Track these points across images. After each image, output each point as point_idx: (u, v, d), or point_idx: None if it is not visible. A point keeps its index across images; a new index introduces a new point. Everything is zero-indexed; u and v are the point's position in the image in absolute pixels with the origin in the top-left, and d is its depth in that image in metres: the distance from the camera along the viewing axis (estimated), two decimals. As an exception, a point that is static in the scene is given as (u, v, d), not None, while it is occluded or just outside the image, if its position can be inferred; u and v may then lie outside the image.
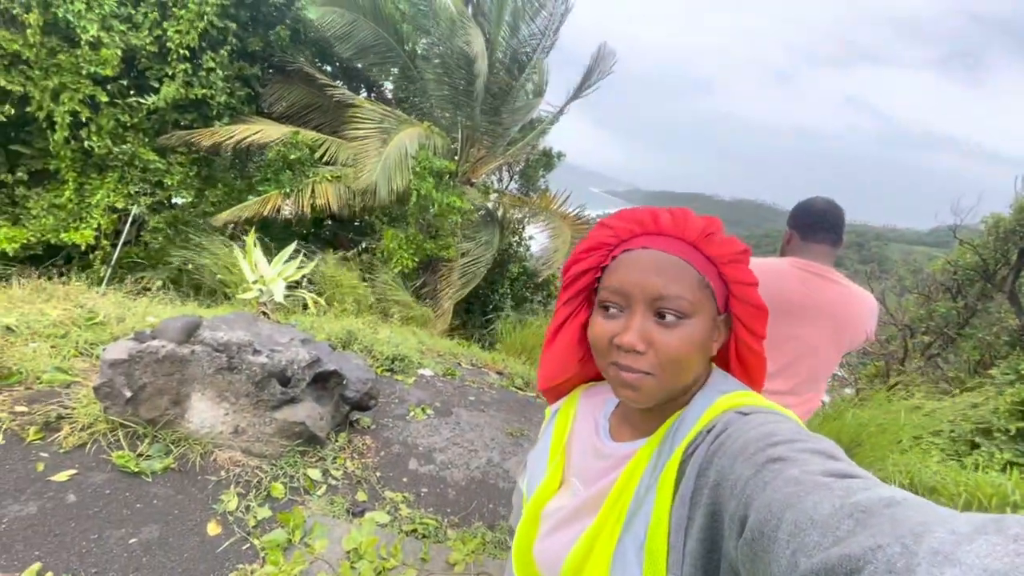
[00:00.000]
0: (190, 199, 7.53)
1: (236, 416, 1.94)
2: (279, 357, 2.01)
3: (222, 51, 7.21)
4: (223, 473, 1.89)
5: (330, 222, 9.93)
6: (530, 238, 11.29)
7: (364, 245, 8.64)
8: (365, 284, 6.15)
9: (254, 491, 1.87)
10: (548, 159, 11.88)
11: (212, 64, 7.05)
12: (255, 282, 3.96)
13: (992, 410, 6.71)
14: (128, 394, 1.82)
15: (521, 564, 0.66)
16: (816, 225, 1.75)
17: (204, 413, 1.92)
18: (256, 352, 1.97)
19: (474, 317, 8.89)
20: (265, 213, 7.32)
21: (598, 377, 0.74)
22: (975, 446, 5.95)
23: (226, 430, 1.94)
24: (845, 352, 1.72)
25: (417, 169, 7.18)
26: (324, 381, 2.20)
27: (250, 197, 7.62)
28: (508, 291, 9.05)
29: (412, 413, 2.92)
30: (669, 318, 0.55)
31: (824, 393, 1.77)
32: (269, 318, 3.97)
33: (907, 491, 0.36)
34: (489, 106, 9.30)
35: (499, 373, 4.34)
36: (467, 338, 7.60)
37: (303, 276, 4.56)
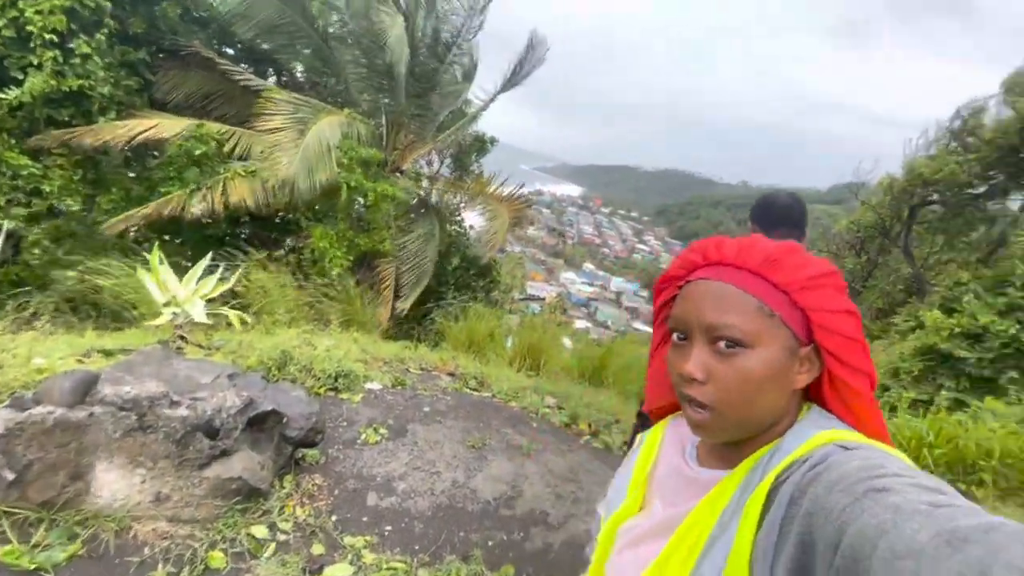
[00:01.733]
0: (77, 207, 6.62)
1: (156, 482, 1.66)
2: (203, 406, 1.73)
3: (98, 34, 6.30)
4: (147, 550, 1.61)
5: (248, 221, 9.18)
6: (470, 227, 11.06)
7: (291, 245, 8.05)
8: (297, 288, 5.71)
9: (188, 566, 1.61)
10: (481, 144, 11.61)
11: (87, 49, 6.14)
12: (167, 304, 3.51)
13: (898, 354, 7.42)
14: (10, 476, 1.48)
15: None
16: (780, 219, 1.72)
17: (115, 484, 1.62)
18: (174, 404, 1.68)
19: (417, 311, 8.60)
20: (166, 214, 6.57)
21: None
22: (885, 388, 6.57)
23: (145, 499, 1.66)
24: None
25: (344, 160, 6.71)
26: (260, 423, 1.94)
27: (153, 199, 6.82)
28: (451, 282, 8.82)
29: (364, 436, 2.70)
30: (725, 348, 0.54)
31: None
32: (187, 343, 3.54)
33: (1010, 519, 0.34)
34: (415, 90, 8.86)
35: (450, 375, 4.17)
36: (411, 335, 7.33)
37: (224, 290, 4.12)
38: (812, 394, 0.60)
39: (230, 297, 5.01)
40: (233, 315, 3.78)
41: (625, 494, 0.69)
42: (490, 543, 2.06)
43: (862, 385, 0.57)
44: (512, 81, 9.69)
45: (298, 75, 10.95)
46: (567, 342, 6.80)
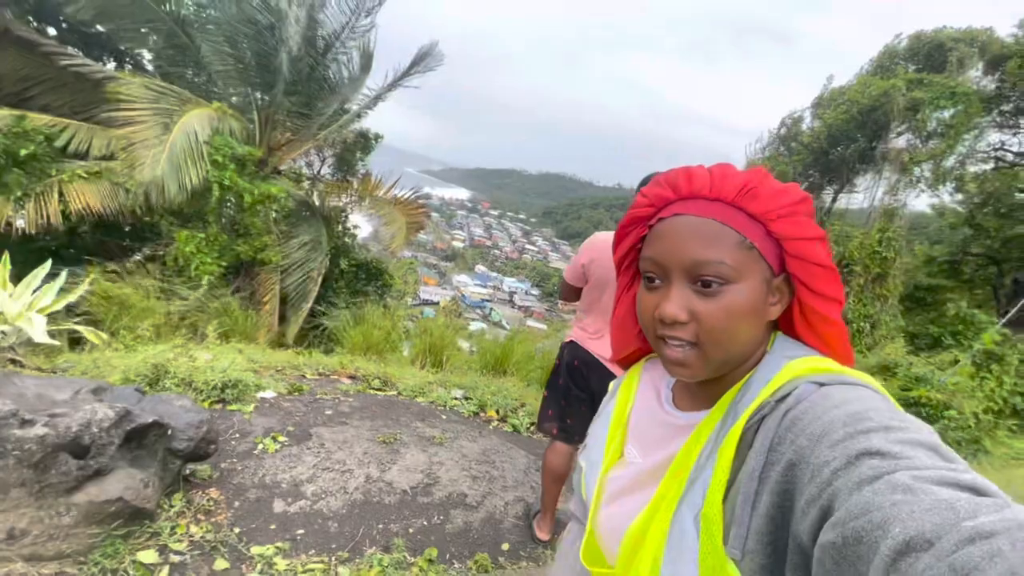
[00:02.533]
0: None
1: (7, 516, 1.40)
2: (66, 422, 1.49)
3: None
4: (-1, 599, 1.35)
5: (89, 230, 7.93)
6: (355, 227, 10.62)
7: (147, 253, 7.10)
8: (163, 300, 5.06)
9: (58, 607, 1.38)
10: (366, 141, 11.21)
11: None
12: (-8, 322, 2.93)
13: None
14: None
15: (589, 537, 0.65)
16: None
17: (-52, 525, 1.33)
18: (26, 423, 1.43)
19: (308, 319, 8.06)
20: None
21: None
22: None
23: (-7, 539, 1.39)
24: None
25: (217, 158, 6.08)
26: (140, 438, 1.72)
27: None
28: (343, 287, 8.42)
29: (261, 446, 2.50)
30: (707, 285, 0.52)
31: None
32: (24, 367, 2.99)
33: None
34: (293, 86, 8.30)
35: (351, 378, 4.00)
36: (302, 342, 6.87)
37: (67, 303, 3.54)
38: (782, 325, 0.60)
39: (75, 313, 4.31)
40: (87, 331, 3.27)
41: (604, 444, 0.68)
42: (411, 530, 2.03)
43: (832, 311, 0.56)
44: (400, 82, 9.50)
45: (146, 64, 9.70)
46: (464, 344, 6.82)
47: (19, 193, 5.73)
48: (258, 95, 8.51)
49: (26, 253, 6.49)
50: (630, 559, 0.56)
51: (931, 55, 8.48)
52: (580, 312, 2.05)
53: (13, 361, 3.01)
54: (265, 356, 4.12)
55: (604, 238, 1.98)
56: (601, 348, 1.94)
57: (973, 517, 0.31)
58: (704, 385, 0.59)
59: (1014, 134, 10.27)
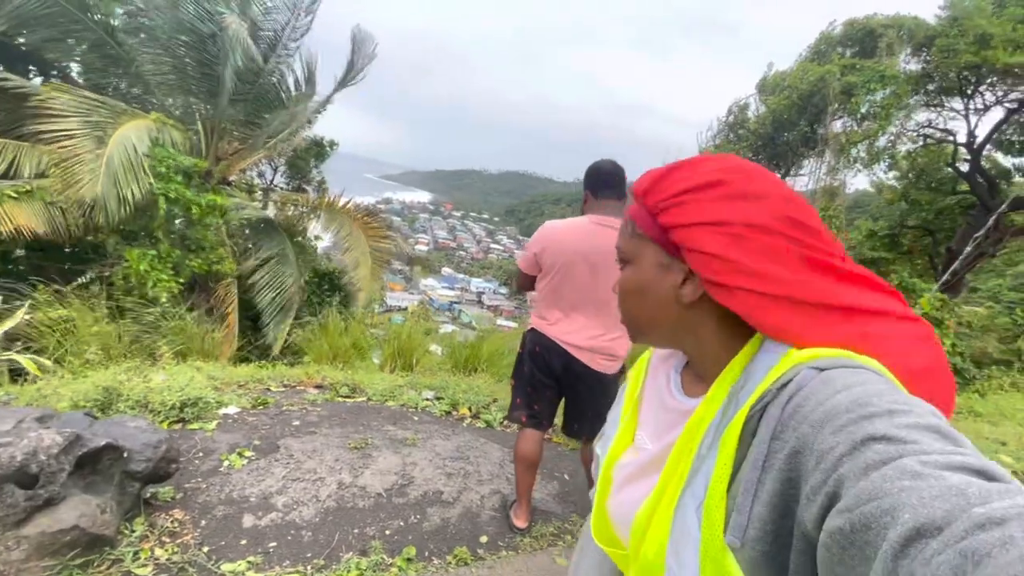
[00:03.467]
0: None
1: (-50, 556, 1.31)
2: (9, 452, 1.41)
3: None
4: (-54, 643, 1.27)
5: (23, 253, 7.48)
6: (316, 238, 10.39)
7: (95, 274, 6.74)
8: (112, 322, 4.81)
9: (13, 646, 1.31)
10: (320, 148, 10.96)
11: None
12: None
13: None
14: None
15: (597, 519, 0.68)
16: (604, 184, 2.00)
17: None
18: (-36, 456, 1.35)
19: (265, 332, 7.81)
20: None
21: None
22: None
23: (-65, 582, 1.30)
24: None
25: (160, 169, 5.83)
26: (94, 463, 1.65)
27: None
28: (307, 298, 8.23)
29: (227, 462, 2.43)
30: (620, 266, 0.64)
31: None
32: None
33: None
34: (237, 93, 8.02)
35: (318, 387, 3.92)
36: (263, 356, 6.67)
37: (2, 332, 3.33)
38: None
39: (14, 342, 4.06)
40: (26, 360, 3.08)
41: (617, 429, 0.70)
42: (388, 532, 2.02)
43: (743, 303, 0.53)
44: (346, 80, 9.30)
45: (75, 76, 9.20)
46: (436, 348, 6.78)
47: (-60, 218, 5.36)
48: (201, 104, 8.21)
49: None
50: (639, 544, 0.58)
51: (863, 41, 8.95)
52: (538, 301, 2.08)
53: (-57, 397, 2.81)
54: (225, 372, 3.98)
55: (553, 226, 2.01)
56: (560, 333, 1.97)
57: (984, 503, 0.31)
58: (707, 369, 0.59)
59: (939, 113, 10.96)
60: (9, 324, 3.23)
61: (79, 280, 6.16)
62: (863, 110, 8.43)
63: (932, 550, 0.30)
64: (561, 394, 2.11)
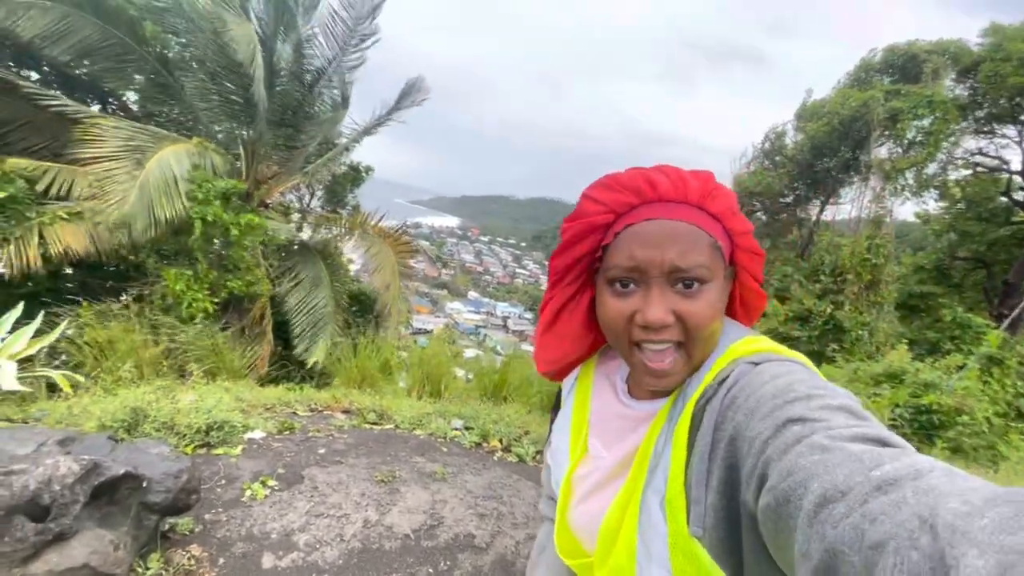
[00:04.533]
0: None
1: (-47, 594, 1.22)
2: (23, 480, 1.32)
3: None
4: None
5: (72, 271, 7.76)
6: (349, 261, 10.53)
7: (135, 293, 6.91)
8: (149, 340, 4.86)
9: None
10: (356, 174, 11.20)
11: None
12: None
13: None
14: None
15: (560, 532, 0.67)
16: None
17: None
18: (-23, 484, 1.26)
19: (298, 351, 7.83)
20: None
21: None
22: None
23: (-65, 622, 1.21)
24: None
25: (199, 194, 5.98)
26: (111, 492, 1.55)
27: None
28: (340, 320, 8.26)
29: (249, 492, 2.32)
30: (690, 287, 0.54)
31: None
32: (-7, 418, 2.79)
33: (936, 459, 0.34)
34: (279, 118, 8.28)
35: (346, 412, 3.82)
36: (292, 378, 6.65)
37: (41, 348, 3.35)
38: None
39: (55, 358, 4.12)
40: (59, 376, 3.08)
41: (569, 441, 0.69)
42: (415, 580, 1.86)
43: (762, 293, 0.63)
44: (388, 118, 9.53)
45: (131, 104, 9.68)
46: (460, 372, 6.65)
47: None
48: (242, 130, 8.49)
49: (7, 299, 6.30)
50: (608, 550, 0.57)
51: (905, 67, 8.68)
52: None
53: (-19, 412, 2.82)
54: (254, 394, 3.93)
55: None
56: None
57: (878, 466, 0.33)
58: None
59: (990, 140, 10.48)
60: (48, 341, 3.26)
61: (121, 299, 6.31)
62: (910, 136, 8.10)
63: (839, 513, 0.32)
64: None
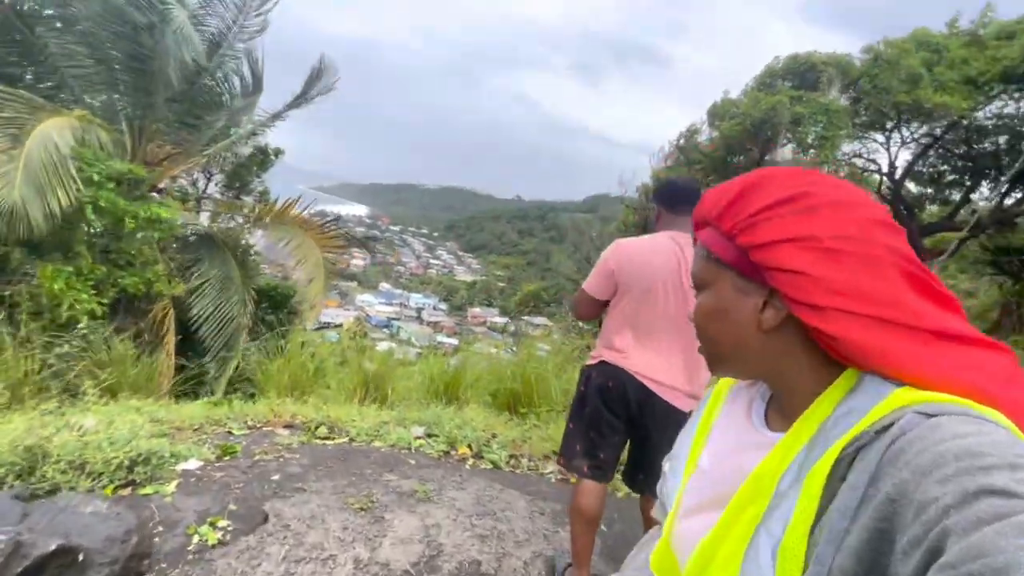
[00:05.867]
0: None
1: None
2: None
3: None
4: None
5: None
6: (256, 253, 9.55)
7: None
8: (21, 352, 3.98)
9: None
10: (264, 157, 10.17)
11: None
12: None
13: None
14: None
15: (661, 547, 0.66)
16: (682, 197, 1.79)
17: None
18: None
19: (199, 359, 6.92)
20: None
21: None
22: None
23: None
24: None
25: (91, 175, 5.01)
26: (35, 574, 1.16)
27: None
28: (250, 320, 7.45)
29: (197, 538, 1.92)
30: (696, 291, 0.61)
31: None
32: None
33: None
34: (172, 93, 7.23)
35: (288, 427, 3.39)
36: (200, 388, 5.87)
37: None
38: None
39: None
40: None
41: (689, 451, 0.67)
42: (428, 625, 1.63)
43: (827, 324, 0.48)
44: (298, 103, 8.74)
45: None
46: (368, 365, 6.34)
47: None
48: (127, 103, 7.31)
49: None
50: (699, 575, 0.55)
51: (804, 75, 9.58)
52: (607, 329, 1.81)
53: None
54: (172, 413, 3.36)
55: (628, 244, 1.80)
56: (640, 366, 1.71)
57: None
58: (793, 403, 0.55)
59: (863, 144, 11.94)
60: None
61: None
62: (810, 139, 8.95)
63: None
64: (628, 438, 1.83)
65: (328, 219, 9.20)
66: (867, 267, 0.48)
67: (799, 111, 8.57)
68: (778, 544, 0.47)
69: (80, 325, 5.01)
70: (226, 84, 8.52)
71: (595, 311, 1.83)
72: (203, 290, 6.66)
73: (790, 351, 0.54)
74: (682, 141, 12.22)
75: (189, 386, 5.75)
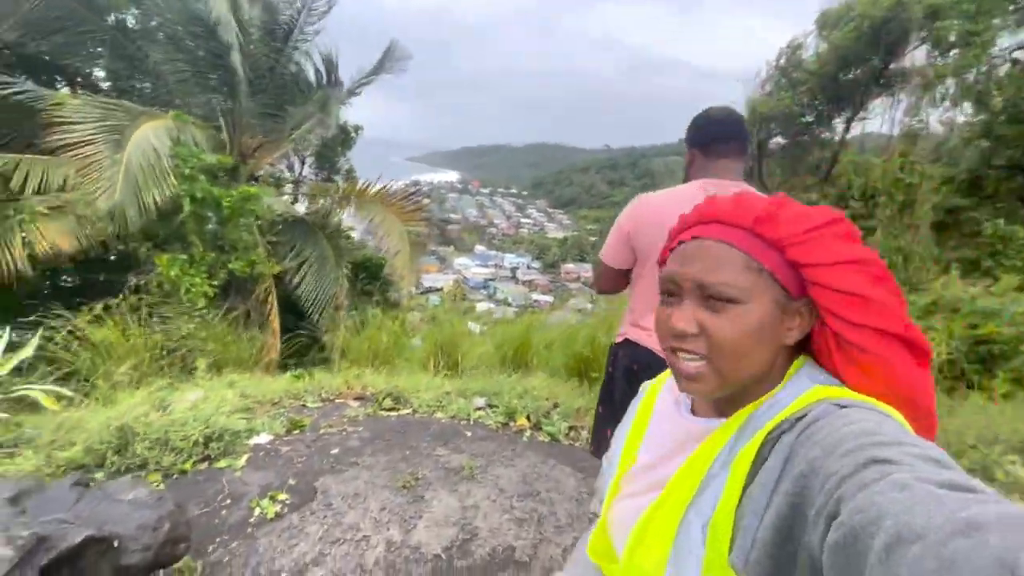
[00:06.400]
0: None
1: None
2: (-61, 581, 1.04)
3: None
4: None
5: (71, 267, 7.50)
6: (350, 228, 10.11)
7: (133, 283, 6.65)
8: (148, 335, 4.60)
9: None
10: (346, 135, 10.61)
11: None
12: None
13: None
14: None
15: (598, 531, 0.69)
16: (718, 135, 1.44)
17: None
18: None
19: (304, 330, 7.58)
20: None
21: None
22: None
23: None
24: None
25: (186, 171, 5.54)
26: (75, 560, 1.27)
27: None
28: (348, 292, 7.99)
29: (258, 511, 2.07)
30: (716, 304, 0.55)
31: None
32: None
33: None
34: (256, 85, 7.68)
35: (359, 399, 3.56)
36: (303, 360, 6.43)
37: (24, 360, 3.09)
38: (816, 347, 0.60)
39: (44, 367, 3.86)
40: (38, 394, 2.81)
41: (624, 445, 0.70)
42: (451, 615, 1.60)
43: (868, 341, 0.53)
44: (372, 77, 8.92)
45: (100, 82, 9.06)
46: (474, 326, 6.46)
47: (-26, 243, 5.25)
48: (221, 100, 7.90)
49: (8, 302, 6.05)
50: (632, 553, 0.59)
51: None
52: (632, 301, 1.56)
53: (-38, 440, 2.58)
54: (260, 387, 3.67)
55: (649, 200, 1.46)
56: None
57: (963, 510, 0.31)
58: (722, 400, 0.59)
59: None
60: (24, 355, 2.98)
61: (119, 295, 6.04)
62: (951, 37, 7.25)
63: (914, 555, 0.30)
64: None
65: (409, 193, 9.41)
66: (896, 292, 0.54)
67: (936, 2, 6.92)
68: (708, 521, 0.52)
69: (199, 306, 5.68)
70: (302, 71, 8.90)
71: (616, 283, 1.58)
72: (302, 270, 7.23)
73: (781, 362, 0.58)
74: (783, 60, 10.64)
75: (293, 359, 6.35)
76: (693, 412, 0.64)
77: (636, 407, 0.74)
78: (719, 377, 0.55)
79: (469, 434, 2.97)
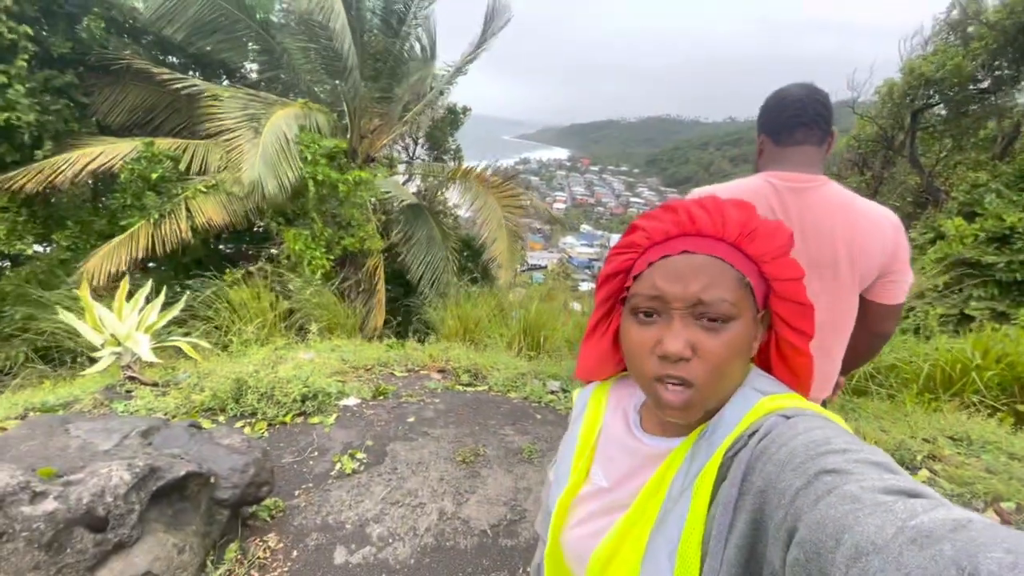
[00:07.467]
0: (30, 249, 6.21)
1: (30, 601, 1.27)
2: (78, 492, 1.32)
3: (17, 60, 5.77)
4: None
5: (227, 237, 8.78)
6: (455, 206, 10.55)
7: (268, 254, 7.62)
8: (274, 297, 5.29)
9: None
10: (454, 116, 10.99)
11: (3, 79, 5.62)
12: (104, 344, 3.11)
13: (919, 270, 6.92)
14: None
15: (551, 553, 0.66)
16: (790, 122, 1.26)
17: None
18: (37, 496, 1.27)
19: (410, 301, 8.16)
20: (138, 255, 6.09)
21: None
22: (910, 308, 6.11)
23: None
24: (858, 287, 1.26)
25: (307, 155, 6.19)
26: (181, 490, 1.55)
27: (115, 234, 6.37)
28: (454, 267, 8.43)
29: (339, 464, 2.32)
30: (713, 323, 0.53)
31: (840, 350, 1.32)
32: (138, 384, 3.16)
33: (973, 512, 0.33)
34: (372, 70, 8.23)
35: (441, 372, 3.77)
36: (402, 331, 6.94)
37: (172, 318, 3.72)
38: (756, 358, 0.61)
39: (194, 321, 4.62)
40: (185, 344, 3.38)
41: (572, 462, 0.68)
42: (488, 589, 1.68)
43: (804, 344, 0.58)
44: (478, 50, 9.07)
45: (251, 74, 10.31)
46: (576, 306, 6.44)
47: (156, 215, 6.34)
48: (342, 85, 8.59)
49: (176, 267, 7.35)
50: None
51: None
52: None
53: (131, 378, 3.21)
54: (358, 353, 4.04)
55: (723, 189, 1.33)
56: None
57: (912, 517, 0.33)
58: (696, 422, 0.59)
59: None
60: (174, 312, 3.59)
61: (258, 263, 6.97)
62: None
63: (874, 568, 0.31)
64: None
65: (509, 177, 9.55)
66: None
67: None
68: (675, 547, 0.50)
69: (316, 278, 6.37)
70: (412, 54, 9.33)
71: None
72: (411, 246, 7.77)
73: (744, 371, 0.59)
74: (954, 12, 8.88)
75: (396, 328, 6.89)
76: (643, 429, 0.62)
77: (581, 421, 0.71)
78: (704, 402, 0.54)
79: (539, 416, 3.02)
